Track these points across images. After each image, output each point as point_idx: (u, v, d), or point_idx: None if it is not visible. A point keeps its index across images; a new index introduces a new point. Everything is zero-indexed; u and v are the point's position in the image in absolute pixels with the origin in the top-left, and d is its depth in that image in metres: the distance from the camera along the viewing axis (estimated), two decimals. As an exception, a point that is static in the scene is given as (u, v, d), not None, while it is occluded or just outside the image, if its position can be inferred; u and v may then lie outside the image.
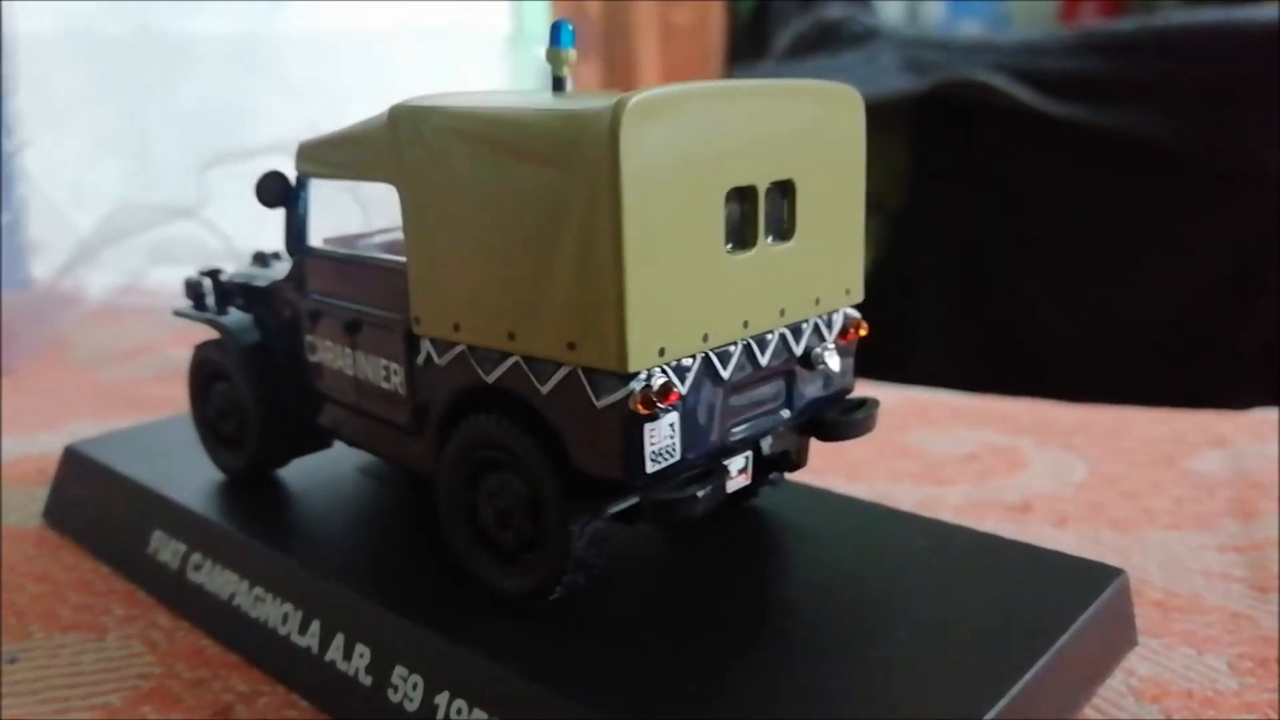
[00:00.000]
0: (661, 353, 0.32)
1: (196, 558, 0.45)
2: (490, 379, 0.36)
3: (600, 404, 0.32)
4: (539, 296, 0.33)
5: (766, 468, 0.42)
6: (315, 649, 0.39)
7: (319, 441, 0.49)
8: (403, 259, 0.38)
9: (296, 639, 0.40)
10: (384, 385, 0.41)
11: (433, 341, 0.38)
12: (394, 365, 0.40)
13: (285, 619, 0.41)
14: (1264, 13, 1.04)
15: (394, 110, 0.37)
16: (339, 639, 0.39)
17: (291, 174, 0.45)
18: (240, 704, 0.39)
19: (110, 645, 0.43)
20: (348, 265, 0.42)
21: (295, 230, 0.45)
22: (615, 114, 0.30)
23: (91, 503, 0.52)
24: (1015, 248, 1.19)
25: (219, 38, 1.12)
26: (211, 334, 0.49)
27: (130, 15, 1.05)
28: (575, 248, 0.32)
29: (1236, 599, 0.45)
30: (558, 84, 0.38)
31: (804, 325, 0.37)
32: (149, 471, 0.51)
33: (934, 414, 0.71)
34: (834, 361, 0.38)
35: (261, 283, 0.48)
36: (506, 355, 0.35)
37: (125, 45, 1.05)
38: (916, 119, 1.22)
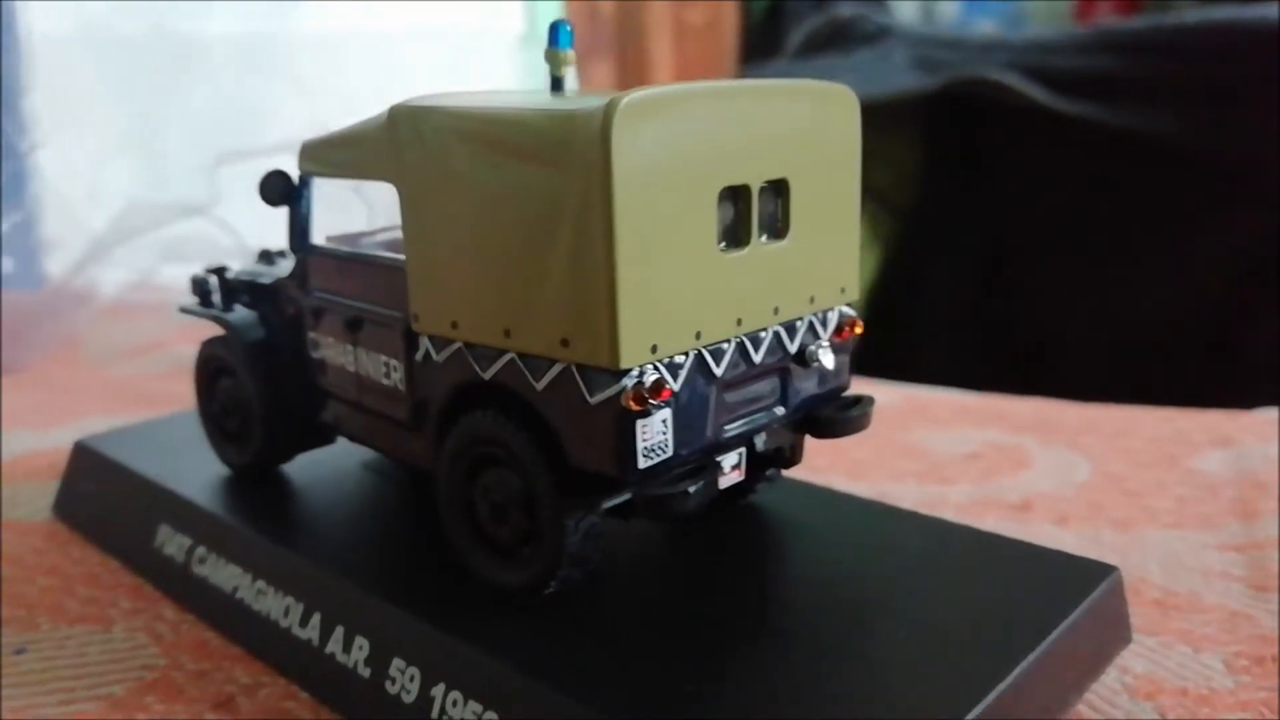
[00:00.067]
0: (654, 350, 0.32)
1: (201, 551, 0.46)
2: (487, 375, 0.36)
3: (593, 400, 0.33)
4: (534, 294, 0.33)
5: (761, 464, 0.42)
6: (316, 641, 0.40)
7: (323, 437, 0.49)
8: (402, 257, 0.38)
9: (297, 631, 0.41)
10: (384, 382, 0.41)
11: (431, 338, 0.38)
12: (394, 362, 0.40)
13: (287, 612, 0.41)
14: (1277, 12, 1.03)
15: (394, 110, 0.38)
16: (339, 631, 0.39)
17: (295, 173, 0.45)
18: (242, 695, 0.40)
19: (116, 637, 0.44)
20: (349, 263, 0.43)
21: (298, 228, 0.45)
22: (607, 114, 0.30)
23: (100, 497, 0.53)
24: (1026, 247, 1.19)
25: (232, 38, 1.13)
26: (218, 331, 0.49)
27: (144, 16, 1.06)
28: (569, 246, 0.32)
29: (1235, 598, 0.45)
30: (556, 84, 0.38)
31: (798, 323, 0.38)
32: (156, 466, 0.51)
33: (938, 413, 0.71)
34: (828, 359, 0.38)
35: (266, 280, 0.48)
36: (502, 352, 0.35)
37: (139, 46, 1.06)
38: (928, 117, 1.22)
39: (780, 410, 0.38)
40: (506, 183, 0.33)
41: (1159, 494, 0.56)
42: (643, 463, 0.33)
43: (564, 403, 0.34)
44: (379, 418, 0.43)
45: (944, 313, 1.23)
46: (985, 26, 1.84)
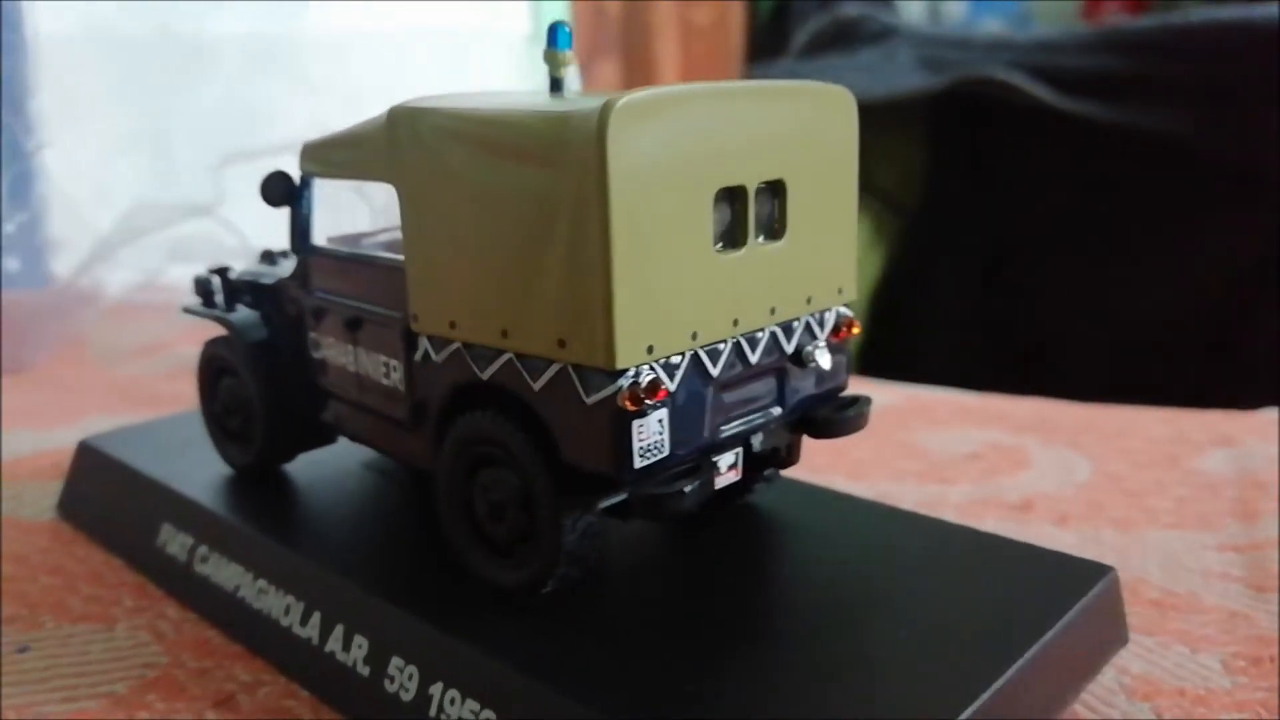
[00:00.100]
0: (650, 350, 0.33)
1: (203, 550, 0.46)
2: (485, 376, 0.36)
3: (590, 400, 0.33)
4: (530, 295, 0.34)
5: (758, 464, 0.42)
6: (315, 640, 0.40)
7: (324, 437, 0.49)
8: (401, 257, 0.39)
9: (298, 630, 0.41)
10: (384, 381, 0.42)
11: (430, 339, 0.38)
12: (393, 362, 0.41)
13: (287, 610, 0.42)
14: (1283, 11, 1.03)
15: (393, 111, 0.38)
16: (338, 630, 0.39)
17: (296, 174, 0.45)
18: (243, 693, 0.40)
19: (119, 635, 0.44)
20: (349, 263, 0.43)
21: (299, 229, 0.46)
22: (602, 116, 0.30)
23: (104, 496, 0.53)
24: (1031, 246, 1.19)
25: (238, 38, 1.13)
26: (221, 331, 0.50)
27: (150, 16, 1.06)
28: (565, 247, 0.32)
29: (1234, 598, 0.45)
30: (555, 85, 0.38)
31: (795, 324, 0.38)
32: (159, 466, 0.52)
33: (939, 413, 0.71)
34: (825, 359, 0.38)
35: (268, 280, 0.49)
36: (500, 352, 0.35)
37: (145, 46, 1.06)
38: (933, 117, 1.22)
39: (777, 410, 0.38)
40: (503, 184, 0.34)
41: (1159, 494, 0.56)
42: (639, 462, 0.33)
43: (561, 403, 0.34)
44: (379, 417, 0.43)
45: (949, 312, 1.23)
46: (992, 26, 1.83)
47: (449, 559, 0.40)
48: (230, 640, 0.43)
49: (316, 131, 0.44)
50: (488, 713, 0.34)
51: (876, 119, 1.14)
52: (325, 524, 0.46)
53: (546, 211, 0.32)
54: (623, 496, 0.36)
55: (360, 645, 0.38)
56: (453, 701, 0.35)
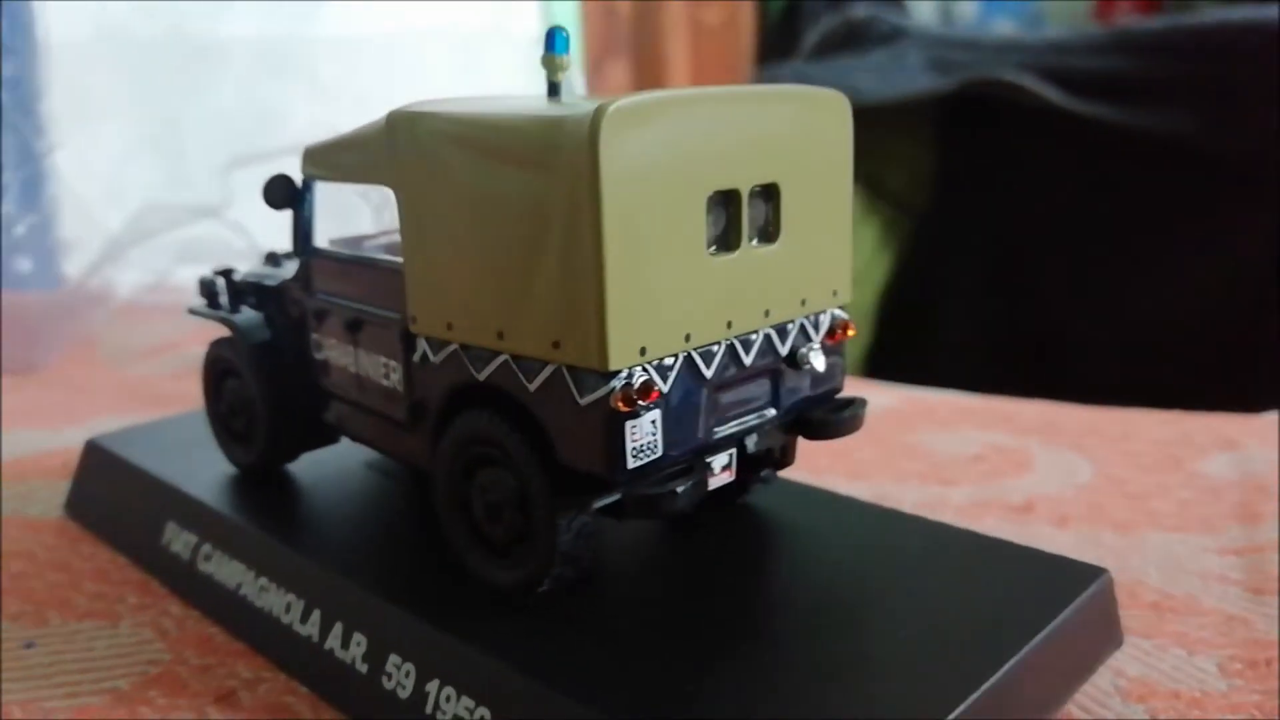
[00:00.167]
0: (643, 352, 0.33)
1: (207, 549, 0.47)
2: (481, 377, 0.37)
3: (583, 401, 0.33)
4: (525, 297, 0.34)
5: (753, 466, 0.42)
6: (315, 637, 0.40)
7: (327, 437, 0.50)
8: (400, 260, 0.39)
9: (298, 628, 0.41)
10: (384, 382, 0.42)
11: (428, 340, 0.39)
12: (392, 363, 0.41)
13: (288, 608, 0.42)
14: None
15: (391, 115, 0.38)
16: (338, 628, 0.40)
17: (298, 177, 0.46)
18: (243, 689, 0.40)
19: (123, 632, 0.45)
20: (350, 265, 0.44)
21: (302, 231, 0.46)
22: (595, 120, 0.31)
23: (110, 495, 0.54)
24: (1041, 248, 1.19)
25: (249, 41, 1.14)
26: (227, 332, 0.50)
27: (162, 18, 1.07)
28: (559, 250, 0.32)
29: (1233, 601, 0.45)
30: (552, 89, 0.38)
31: (790, 326, 0.38)
32: (164, 465, 0.52)
33: (943, 415, 0.71)
34: (819, 361, 0.38)
35: (272, 282, 0.49)
36: (496, 354, 0.36)
37: (157, 48, 1.07)
38: (942, 119, 1.22)
39: (772, 412, 0.38)
40: (499, 187, 0.34)
41: (1161, 497, 0.56)
42: (632, 463, 0.33)
43: (555, 404, 0.34)
44: (379, 417, 0.43)
45: (957, 314, 1.23)
46: (1004, 27, 1.83)
47: (448, 559, 0.40)
48: (232, 637, 0.44)
49: (326, 134, 0.45)
50: (483, 710, 0.34)
51: (886, 121, 1.15)
52: (326, 523, 0.46)
53: (541, 215, 0.33)
54: (616, 497, 0.36)
55: (359, 643, 0.39)
56: (448, 699, 0.35)
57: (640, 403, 0.33)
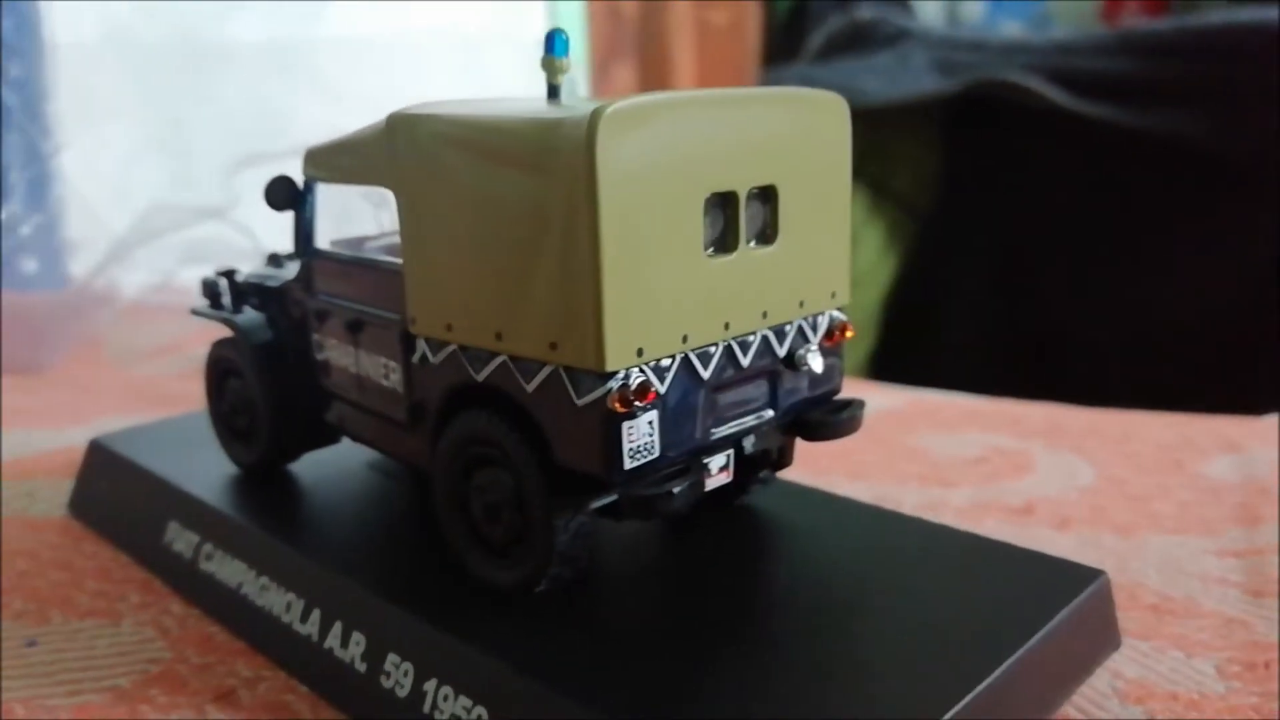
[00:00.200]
0: (640, 353, 0.33)
1: (208, 548, 0.47)
2: (480, 377, 0.37)
3: (580, 402, 0.33)
4: (523, 298, 0.34)
5: (751, 466, 0.42)
6: (315, 636, 0.41)
7: (328, 437, 0.50)
8: (400, 261, 0.39)
9: (298, 627, 0.41)
10: (384, 383, 0.42)
11: (427, 341, 0.39)
12: (392, 363, 0.41)
13: (288, 607, 0.42)
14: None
15: (391, 117, 0.38)
16: (337, 627, 0.40)
17: (300, 178, 0.46)
18: (243, 688, 0.41)
19: (124, 631, 0.45)
20: (350, 267, 0.44)
21: (303, 233, 0.46)
22: (592, 123, 0.31)
23: (113, 494, 0.54)
24: (1045, 249, 1.19)
25: (256, 43, 1.14)
26: (229, 332, 0.50)
27: (169, 20, 1.07)
28: (556, 251, 0.33)
29: (1232, 604, 0.45)
30: (552, 91, 0.39)
31: (787, 327, 0.38)
32: (167, 465, 0.52)
33: (946, 416, 0.71)
34: (817, 363, 0.38)
35: (274, 283, 0.49)
36: (495, 354, 0.36)
37: (164, 49, 1.08)
38: (947, 120, 1.22)
39: (769, 413, 0.39)
40: (497, 189, 0.34)
41: (1162, 499, 0.56)
42: (629, 464, 0.34)
43: (553, 404, 0.34)
44: (379, 418, 0.44)
45: (962, 316, 1.22)
46: (1010, 28, 1.83)
47: (448, 559, 0.40)
48: (233, 636, 0.44)
49: (332, 135, 0.45)
50: (480, 709, 0.34)
51: (891, 122, 1.15)
52: (327, 523, 0.46)
53: (538, 216, 0.33)
54: (614, 497, 0.36)
55: (358, 642, 0.39)
56: (446, 698, 0.35)
57: (637, 404, 0.33)
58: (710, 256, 0.35)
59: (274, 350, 0.49)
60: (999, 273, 1.22)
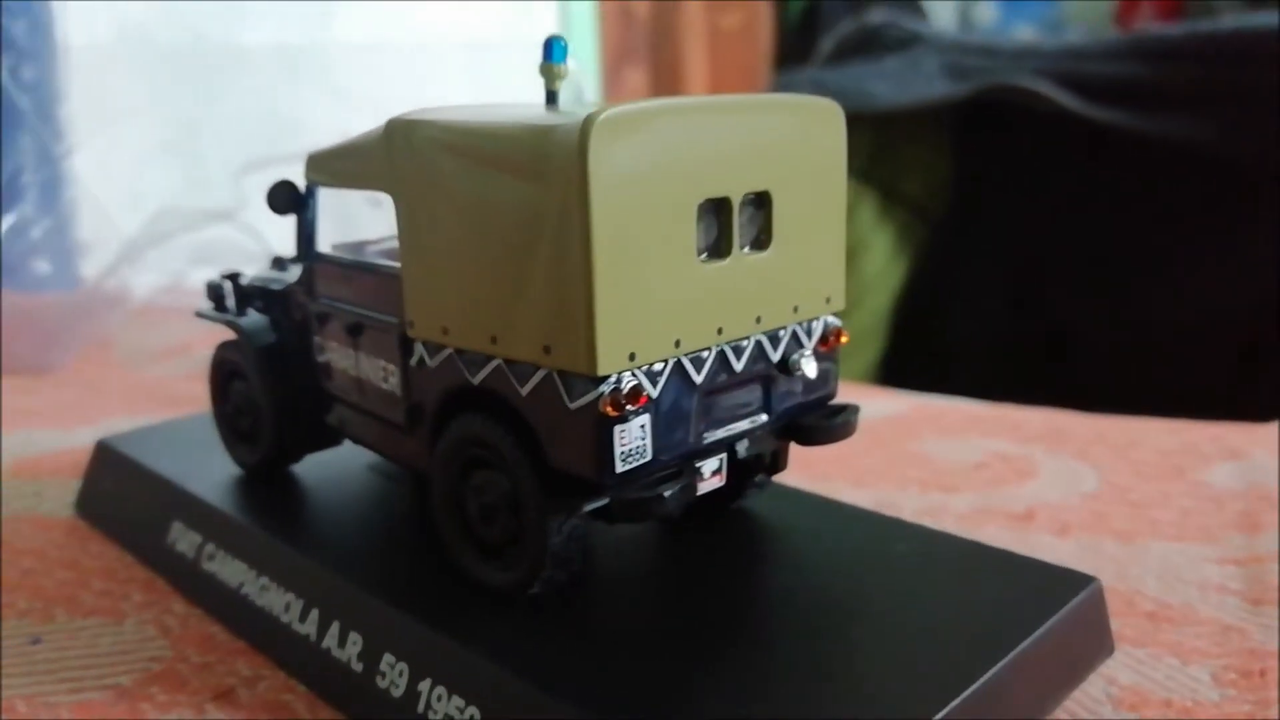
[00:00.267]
0: (632, 357, 0.33)
1: (211, 548, 0.48)
2: (476, 380, 0.37)
3: (573, 405, 0.34)
4: (518, 302, 0.34)
5: (745, 471, 0.43)
6: (313, 636, 0.41)
7: (330, 439, 0.50)
8: (398, 265, 0.40)
9: (297, 627, 0.42)
10: (383, 385, 0.43)
11: (425, 344, 0.39)
12: (391, 367, 0.42)
13: (287, 607, 0.43)
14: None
15: (390, 123, 0.39)
16: (335, 627, 0.40)
17: (302, 183, 0.47)
18: (242, 687, 0.41)
19: (127, 629, 0.45)
20: (351, 270, 0.44)
21: (305, 236, 0.47)
22: (584, 130, 0.31)
23: (119, 495, 0.55)
24: (1055, 254, 1.18)
25: (269, 47, 1.15)
26: (233, 335, 0.51)
27: (182, 24, 1.08)
28: (550, 256, 0.33)
29: (1230, 611, 0.45)
30: (550, 98, 0.39)
31: (781, 332, 0.38)
32: (172, 466, 0.53)
33: (950, 422, 0.71)
34: (811, 368, 0.39)
35: (277, 286, 0.50)
36: (490, 358, 0.36)
37: (177, 53, 1.09)
38: (958, 125, 1.22)
39: (763, 418, 0.39)
40: (492, 194, 0.34)
41: (1163, 506, 0.56)
42: (621, 467, 0.34)
43: (546, 408, 0.35)
44: (378, 420, 0.44)
45: (972, 320, 1.22)
46: (1024, 32, 1.83)
47: (445, 561, 0.40)
48: (233, 636, 0.44)
49: (341, 140, 0.45)
50: (473, 709, 0.35)
51: (902, 126, 1.15)
52: (328, 524, 0.47)
53: (533, 222, 0.33)
54: (606, 500, 0.36)
55: (355, 642, 0.39)
56: (439, 698, 0.36)
57: (629, 407, 0.33)
58: (703, 262, 0.35)
59: (277, 353, 0.49)
60: (1010, 276, 1.21)
